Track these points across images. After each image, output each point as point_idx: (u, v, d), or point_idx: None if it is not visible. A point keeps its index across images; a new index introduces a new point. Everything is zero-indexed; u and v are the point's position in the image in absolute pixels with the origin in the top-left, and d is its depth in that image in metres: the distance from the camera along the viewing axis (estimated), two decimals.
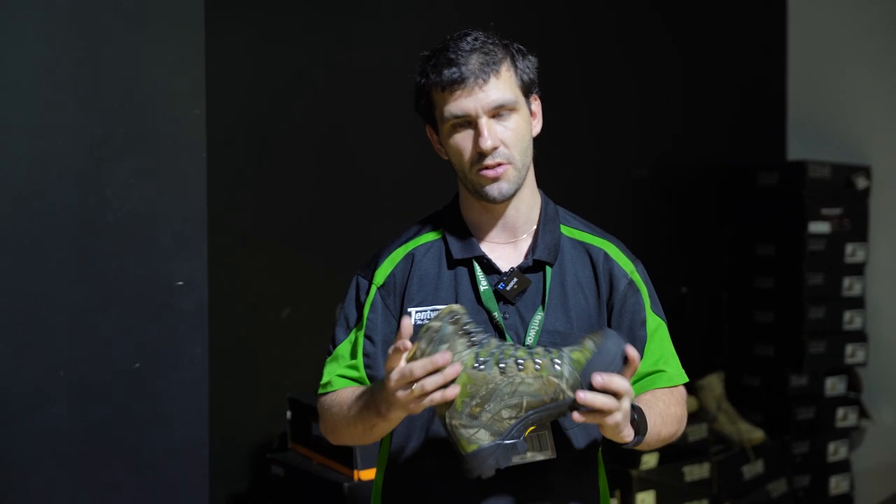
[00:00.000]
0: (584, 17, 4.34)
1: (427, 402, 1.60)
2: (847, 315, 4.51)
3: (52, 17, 2.41)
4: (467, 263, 1.90)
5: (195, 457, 2.58)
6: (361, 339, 1.90)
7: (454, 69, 1.80)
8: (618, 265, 1.93)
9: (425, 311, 1.87)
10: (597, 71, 4.34)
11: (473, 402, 1.62)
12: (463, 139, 1.83)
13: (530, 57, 1.89)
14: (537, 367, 1.63)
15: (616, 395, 1.60)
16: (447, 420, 1.64)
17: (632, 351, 1.63)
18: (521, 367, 1.63)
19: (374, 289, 1.92)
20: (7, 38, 2.36)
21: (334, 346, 1.95)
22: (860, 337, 4.55)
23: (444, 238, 1.93)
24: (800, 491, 4.44)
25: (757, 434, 4.24)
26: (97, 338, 2.45)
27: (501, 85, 1.82)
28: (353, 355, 1.91)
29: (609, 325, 1.91)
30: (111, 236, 2.46)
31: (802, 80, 4.87)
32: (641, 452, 3.75)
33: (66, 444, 2.43)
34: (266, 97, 3.54)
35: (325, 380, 1.93)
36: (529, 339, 1.84)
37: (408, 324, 1.63)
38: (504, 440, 1.63)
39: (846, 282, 4.51)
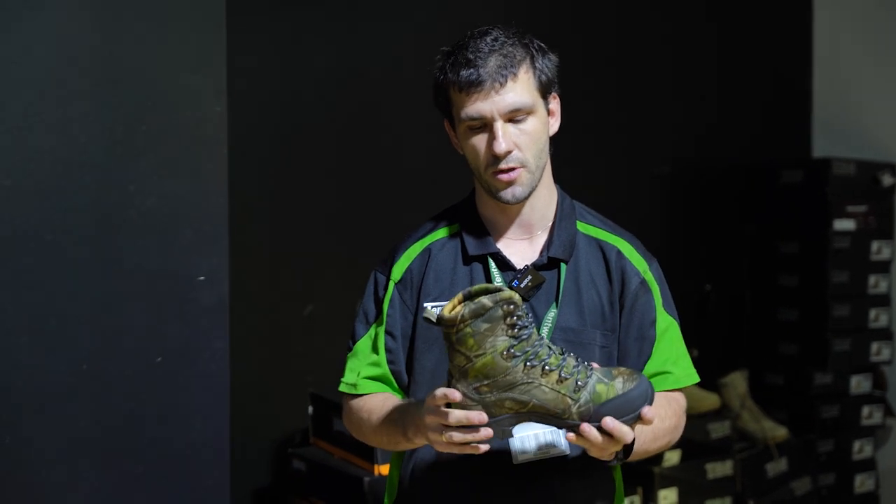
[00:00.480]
0: (608, 15, 4.33)
1: (457, 450, 1.65)
2: (872, 313, 4.49)
3: (76, 14, 2.44)
4: (482, 260, 1.90)
5: (216, 451, 2.60)
6: (382, 335, 1.92)
7: (472, 70, 1.80)
8: (630, 263, 1.92)
9: (440, 306, 1.83)
10: (621, 68, 4.33)
11: (485, 382, 1.62)
12: (478, 141, 1.83)
13: (550, 56, 1.89)
14: (559, 380, 1.63)
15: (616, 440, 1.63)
16: (454, 382, 1.64)
17: (649, 412, 1.63)
18: (545, 373, 1.63)
19: (391, 284, 1.93)
20: (31, 34, 2.39)
21: (354, 342, 1.96)
22: (885, 335, 4.52)
23: (459, 234, 1.93)
24: (824, 489, 4.41)
25: (781, 432, 4.21)
26: (119, 332, 2.48)
27: (518, 88, 1.81)
28: (375, 350, 1.92)
29: (619, 323, 1.91)
30: (133, 231, 2.49)
31: (828, 78, 4.84)
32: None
33: (87, 438, 2.46)
34: (288, 94, 3.55)
35: (348, 378, 1.94)
36: (543, 336, 1.82)
37: (457, 396, 1.63)
38: (493, 421, 1.63)
39: (872, 279, 4.49)
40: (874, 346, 4.49)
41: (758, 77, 4.75)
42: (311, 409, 3.20)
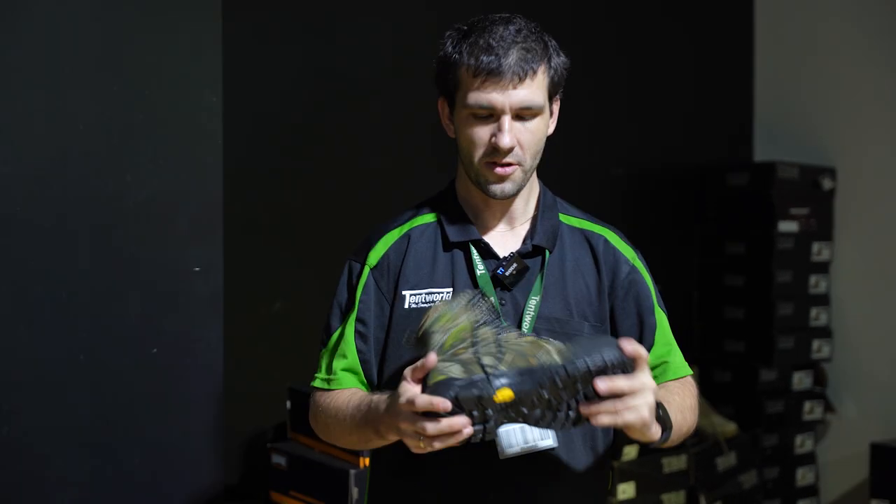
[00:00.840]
0: (563, 26, 4.40)
1: (426, 445, 1.57)
2: (813, 311, 4.62)
3: (74, 5, 2.43)
4: (464, 247, 1.87)
5: (211, 442, 2.61)
6: (352, 323, 1.87)
7: (493, 58, 1.75)
8: (619, 251, 1.92)
9: (420, 293, 1.84)
10: (574, 73, 4.39)
11: (461, 345, 1.61)
12: (480, 130, 1.79)
13: (563, 57, 1.87)
14: (530, 339, 1.63)
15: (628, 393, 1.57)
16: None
17: (628, 344, 1.59)
18: (519, 336, 1.63)
19: (366, 270, 1.88)
20: (30, 24, 2.37)
21: (328, 335, 1.91)
22: (825, 333, 4.66)
23: (440, 221, 1.89)
24: (769, 482, 4.53)
25: (730, 427, 4.32)
26: (116, 323, 2.48)
27: (535, 86, 1.78)
28: (347, 342, 1.87)
29: (612, 312, 1.89)
30: (131, 221, 2.49)
31: (769, 84, 4.98)
32: (623, 445, 3.82)
33: (84, 428, 2.45)
34: (284, 85, 3.55)
35: (321, 373, 1.89)
36: (525, 326, 1.81)
37: (433, 359, 1.59)
38: (473, 378, 1.56)
39: (812, 279, 4.62)
40: (815, 344, 4.62)
41: (705, 83, 4.88)
42: (289, 403, 3.18)
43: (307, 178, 3.59)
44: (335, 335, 1.89)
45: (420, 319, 1.74)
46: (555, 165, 4.15)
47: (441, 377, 1.57)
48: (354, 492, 2.87)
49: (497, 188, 1.82)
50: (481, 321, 1.65)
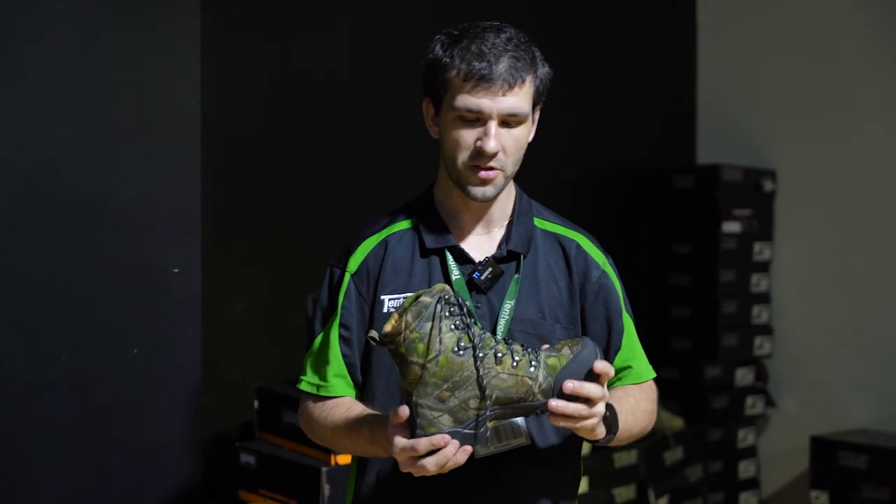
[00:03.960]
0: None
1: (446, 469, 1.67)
2: (755, 310, 4.77)
3: (56, 11, 2.44)
4: (440, 253, 1.91)
5: (189, 442, 2.63)
6: (336, 328, 1.91)
7: (484, 65, 1.79)
8: (590, 256, 1.96)
9: (398, 298, 1.89)
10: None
11: (444, 386, 1.64)
12: (466, 133, 1.83)
13: (547, 67, 1.92)
14: (514, 364, 1.65)
15: (589, 400, 1.65)
16: (414, 398, 1.64)
17: (600, 364, 1.66)
18: (498, 360, 1.65)
19: (347, 276, 1.92)
20: (9, 28, 2.38)
21: (312, 339, 1.95)
22: (766, 330, 4.81)
23: (417, 227, 1.94)
24: (713, 476, 4.65)
25: (677, 422, 4.43)
26: (97, 324, 2.50)
27: (522, 94, 1.83)
28: (331, 346, 1.91)
29: (583, 315, 1.94)
30: (111, 224, 2.51)
31: (711, 88, 5.11)
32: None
33: (65, 429, 2.47)
34: (262, 89, 3.57)
35: (309, 376, 1.94)
36: (500, 328, 1.86)
37: (405, 412, 1.65)
38: (464, 429, 1.65)
39: (754, 278, 4.77)
40: (757, 341, 4.76)
41: (649, 87, 4.99)
42: (256, 402, 3.20)
43: (282, 180, 3.61)
44: (318, 339, 1.94)
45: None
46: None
47: (434, 430, 1.64)
48: (326, 489, 2.91)
49: (479, 191, 1.86)
50: (459, 345, 1.66)
